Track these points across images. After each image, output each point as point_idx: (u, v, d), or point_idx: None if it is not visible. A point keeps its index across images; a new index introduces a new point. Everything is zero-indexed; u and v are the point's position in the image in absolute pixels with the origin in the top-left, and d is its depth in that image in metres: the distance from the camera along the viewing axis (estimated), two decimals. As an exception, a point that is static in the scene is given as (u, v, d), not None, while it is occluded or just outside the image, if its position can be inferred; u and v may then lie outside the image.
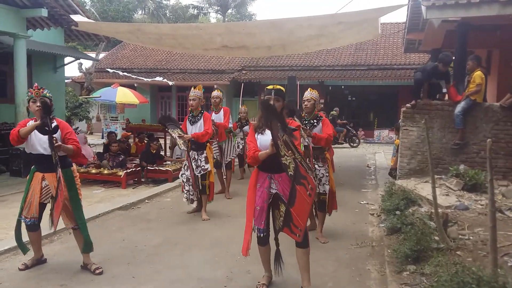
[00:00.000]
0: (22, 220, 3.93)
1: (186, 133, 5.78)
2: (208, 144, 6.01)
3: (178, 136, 5.67)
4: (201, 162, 5.86)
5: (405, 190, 6.08)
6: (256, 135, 3.55)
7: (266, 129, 3.44)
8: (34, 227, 3.92)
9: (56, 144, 3.67)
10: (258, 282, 3.65)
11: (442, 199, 5.71)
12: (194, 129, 5.77)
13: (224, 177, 7.53)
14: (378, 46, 20.79)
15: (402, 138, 7.34)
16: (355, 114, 20.94)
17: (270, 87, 3.66)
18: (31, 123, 3.76)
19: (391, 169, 8.51)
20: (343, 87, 20.25)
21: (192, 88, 5.96)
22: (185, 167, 5.95)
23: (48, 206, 3.97)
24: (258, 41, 8.49)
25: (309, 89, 4.99)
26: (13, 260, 4.18)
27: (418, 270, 3.68)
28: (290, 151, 3.17)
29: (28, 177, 3.98)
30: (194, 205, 5.98)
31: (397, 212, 5.25)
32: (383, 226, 5.28)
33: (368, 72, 19.11)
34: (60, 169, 3.73)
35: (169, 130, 5.81)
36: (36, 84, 3.93)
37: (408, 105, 7.27)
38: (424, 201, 5.81)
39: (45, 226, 4.07)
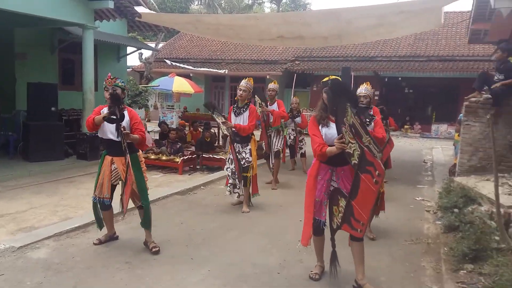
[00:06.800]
0: (93, 200, 4.24)
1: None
2: (253, 136, 5.86)
3: (222, 122, 5.68)
4: (245, 154, 5.75)
5: (464, 187, 5.88)
6: (320, 128, 3.43)
7: (330, 121, 3.40)
8: (105, 206, 4.22)
9: (124, 132, 3.91)
10: (311, 271, 3.71)
11: (504, 198, 5.44)
12: (239, 120, 5.62)
13: (272, 165, 7.41)
14: (439, 36, 19.88)
15: (463, 133, 7.03)
16: (412, 107, 20.25)
17: (326, 79, 3.54)
18: (105, 110, 4.01)
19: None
20: (400, 79, 19.61)
21: (244, 79, 5.77)
22: (229, 161, 5.86)
23: (118, 188, 4.24)
24: (314, 31, 8.42)
25: (365, 84, 4.62)
26: (83, 237, 4.53)
27: (476, 269, 3.59)
28: (356, 137, 2.98)
29: (100, 159, 4.27)
30: (236, 196, 5.90)
31: (455, 210, 5.10)
32: (440, 224, 5.15)
33: (427, 63, 18.37)
34: (128, 155, 3.98)
35: (214, 115, 5.77)
36: (109, 74, 4.17)
37: (472, 99, 6.92)
38: (485, 200, 5.58)
39: (114, 205, 4.37)
